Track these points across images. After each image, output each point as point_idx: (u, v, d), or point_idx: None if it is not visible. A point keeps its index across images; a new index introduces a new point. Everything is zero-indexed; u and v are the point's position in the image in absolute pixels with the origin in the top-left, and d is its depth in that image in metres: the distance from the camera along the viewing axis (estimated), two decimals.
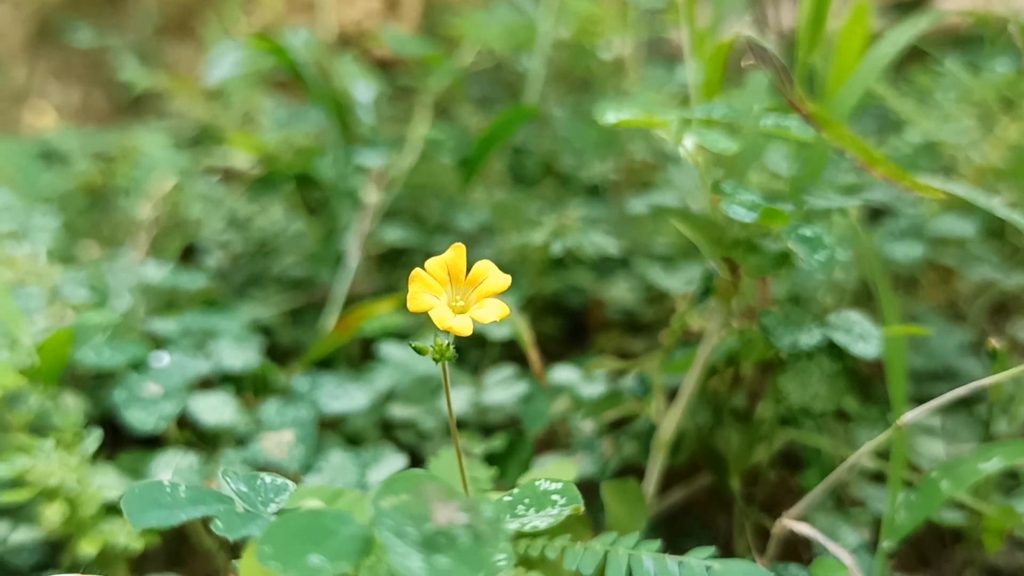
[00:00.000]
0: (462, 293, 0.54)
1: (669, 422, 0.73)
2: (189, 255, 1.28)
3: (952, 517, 0.82)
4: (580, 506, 0.46)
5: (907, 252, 0.89)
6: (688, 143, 0.69)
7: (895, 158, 1.17)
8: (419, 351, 0.55)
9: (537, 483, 0.48)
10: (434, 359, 0.55)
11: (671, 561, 0.59)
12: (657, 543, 0.61)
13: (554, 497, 0.47)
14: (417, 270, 0.53)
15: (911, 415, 0.65)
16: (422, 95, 1.22)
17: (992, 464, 0.69)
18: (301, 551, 0.34)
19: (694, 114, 0.70)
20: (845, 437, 0.86)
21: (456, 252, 0.54)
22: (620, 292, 1.14)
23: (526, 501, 0.47)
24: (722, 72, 0.76)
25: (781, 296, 0.98)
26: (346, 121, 1.12)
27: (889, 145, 1.06)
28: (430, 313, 0.52)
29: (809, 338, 0.69)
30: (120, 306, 0.82)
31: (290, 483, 0.44)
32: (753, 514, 0.82)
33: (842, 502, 0.82)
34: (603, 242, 1.10)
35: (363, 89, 1.10)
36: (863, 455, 0.68)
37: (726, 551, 0.82)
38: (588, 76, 1.38)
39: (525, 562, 0.64)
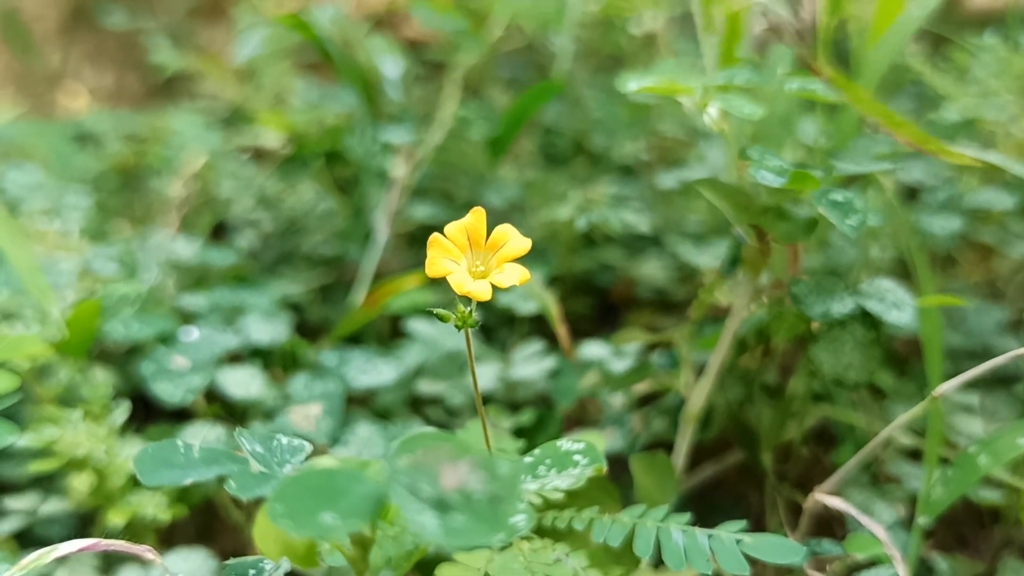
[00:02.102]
0: (482, 258, 0.54)
1: (697, 396, 0.72)
2: (221, 233, 1.28)
3: (991, 496, 0.81)
4: (603, 465, 0.45)
5: (944, 225, 0.87)
6: (712, 110, 0.67)
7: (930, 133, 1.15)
8: (441, 318, 0.54)
9: (559, 444, 0.47)
10: (456, 326, 0.54)
11: (701, 534, 0.58)
12: (687, 516, 0.60)
13: (576, 457, 0.46)
14: (435, 235, 0.52)
15: (947, 386, 0.63)
16: (451, 71, 1.22)
17: None
18: (314, 510, 0.33)
19: (716, 80, 0.69)
20: (880, 413, 0.84)
21: (476, 216, 0.53)
22: (651, 270, 1.13)
23: (547, 461, 0.46)
24: (738, 41, 0.74)
25: (813, 270, 0.96)
26: (373, 98, 1.12)
27: (926, 121, 1.04)
28: (448, 278, 0.51)
29: (841, 306, 0.68)
30: (148, 280, 0.82)
31: (306, 444, 0.44)
32: (785, 490, 0.80)
33: (877, 479, 0.80)
34: (634, 220, 1.09)
35: (390, 65, 1.09)
36: (896, 429, 0.67)
37: (758, 527, 0.81)
38: (617, 53, 1.36)
39: (552, 533, 0.63)
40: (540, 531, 0.64)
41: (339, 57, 1.05)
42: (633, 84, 0.66)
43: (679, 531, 0.58)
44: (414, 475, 0.34)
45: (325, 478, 0.35)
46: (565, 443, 0.47)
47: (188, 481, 0.39)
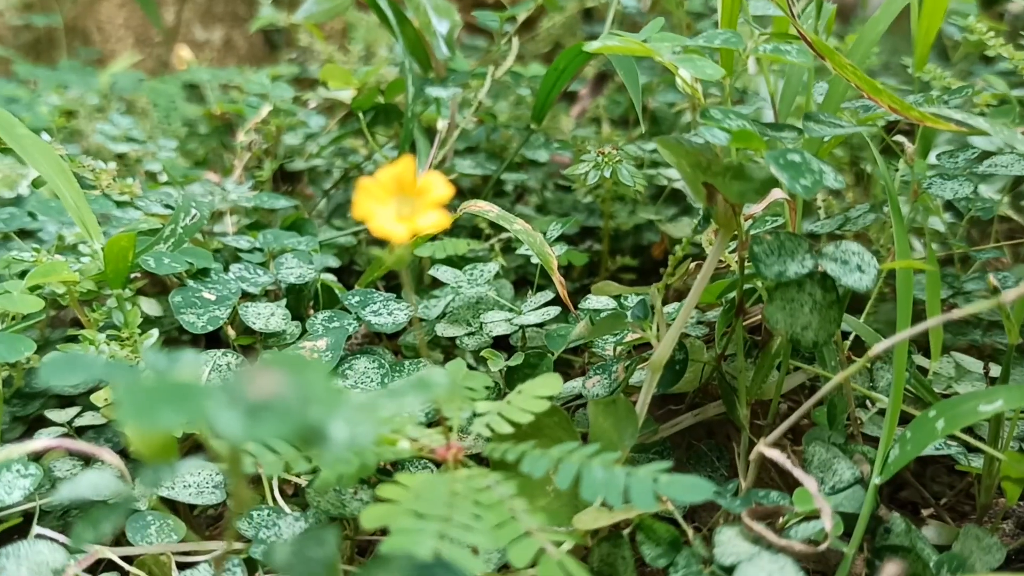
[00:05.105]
0: (410, 204, 0.58)
1: (664, 346, 0.75)
2: (292, 180, 1.37)
3: (975, 463, 0.81)
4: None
5: (957, 189, 0.85)
6: (683, 72, 0.69)
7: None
8: (379, 259, 0.59)
9: (425, 376, 0.51)
10: (391, 267, 0.59)
11: (620, 472, 0.61)
12: (615, 455, 0.63)
13: (436, 388, 0.50)
14: (363, 179, 0.57)
15: (880, 347, 0.64)
16: (505, 28, 1.25)
17: (993, 407, 0.67)
18: (154, 406, 0.39)
19: (696, 42, 0.71)
20: (868, 374, 0.85)
21: (405, 164, 0.58)
22: (686, 229, 1.14)
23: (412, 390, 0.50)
24: (740, 3, 0.76)
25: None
26: (427, 54, 1.17)
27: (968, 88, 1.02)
28: (369, 221, 0.56)
29: (799, 267, 0.69)
30: (186, 220, 0.90)
31: None
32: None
33: (854, 438, 0.81)
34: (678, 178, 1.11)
35: (440, 22, 1.14)
36: (845, 384, 0.68)
37: (735, 477, 0.83)
38: (680, 13, 1.37)
39: (492, 463, 0.68)
40: (495, 463, 0.69)
41: (387, 13, 1.10)
42: (595, 44, 0.69)
43: (601, 468, 0.62)
44: (238, 383, 0.39)
45: (179, 384, 0.41)
46: (433, 375, 0.51)
47: (78, 381, 0.45)
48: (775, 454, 0.68)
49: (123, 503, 0.44)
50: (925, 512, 0.88)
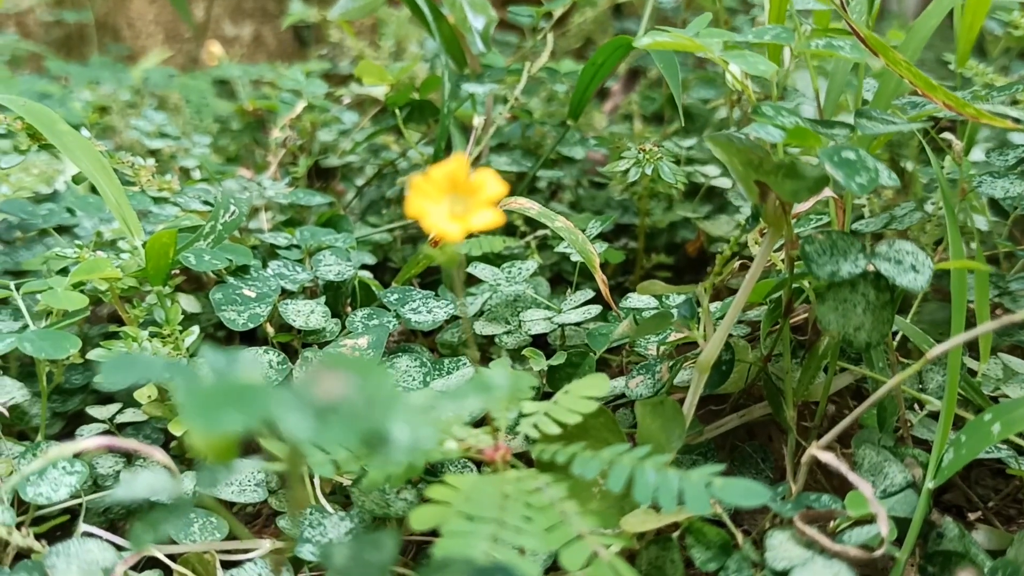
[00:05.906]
0: (463, 202, 0.57)
1: (711, 346, 0.74)
2: (326, 176, 1.36)
3: None
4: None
5: (1008, 188, 0.84)
6: (734, 68, 0.68)
7: None
8: (429, 258, 0.59)
9: (484, 377, 0.50)
10: (442, 264, 0.59)
11: (673, 474, 0.61)
12: (666, 457, 0.62)
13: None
14: (417, 178, 0.56)
15: (937, 350, 0.63)
16: (540, 23, 1.24)
17: None
18: (220, 409, 0.38)
19: (747, 38, 0.70)
20: (918, 376, 0.83)
21: (458, 162, 0.57)
22: (724, 227, 1.13)
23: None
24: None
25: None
26: (462, 50, 1.16)
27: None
28: (422, 219, 0.55)
29: (852, 267, 0.68)
30: (224, 217, 0.90)
31: None
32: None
33: (904, 440, 0.80)
34: (717, 174, 1.10)
35: (476, 18, 1.13)
36: (896, 389, 0.67)
37: (782, 480, 0.82)
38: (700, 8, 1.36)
39: (539, 464, 0.67)
40: (541, 465, 0.69)
41: (423, 9, 1.10)
42: (645, 40, 0.68)
43: (653, 470, 0.61)
44: (305, 386, 0.39)
45: (243, 386, 0.40)
46: (491, 377, 0.50)
47: (137, 381, 0.45)
48: (829, 457, 0.67)
49: (181, 505, 0.44)
50: (972, 516, 0.87)
